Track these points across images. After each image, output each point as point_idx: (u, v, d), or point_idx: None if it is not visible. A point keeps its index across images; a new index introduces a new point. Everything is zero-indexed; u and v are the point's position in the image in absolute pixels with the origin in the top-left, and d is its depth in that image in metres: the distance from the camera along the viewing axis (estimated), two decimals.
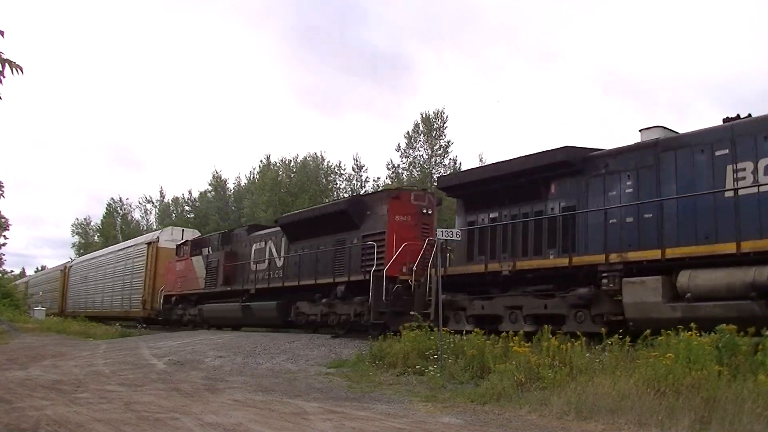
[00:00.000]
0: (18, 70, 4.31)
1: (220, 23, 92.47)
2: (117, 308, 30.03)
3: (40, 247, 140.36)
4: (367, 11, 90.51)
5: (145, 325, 25.82)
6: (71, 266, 40.69)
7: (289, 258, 17.40)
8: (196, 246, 23.44)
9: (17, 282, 62.24)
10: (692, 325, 7.26)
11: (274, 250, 18.36)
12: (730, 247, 8.59)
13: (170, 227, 30.67)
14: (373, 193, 12.95)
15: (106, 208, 70.78)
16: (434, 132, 44.70)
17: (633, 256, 9.73)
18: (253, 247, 19.55)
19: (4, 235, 38.41)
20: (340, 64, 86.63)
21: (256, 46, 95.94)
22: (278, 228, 18.55)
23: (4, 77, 4.29)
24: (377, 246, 14.02)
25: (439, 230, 10.79)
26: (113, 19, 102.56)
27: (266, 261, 18.58)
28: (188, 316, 23.15)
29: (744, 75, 66.57)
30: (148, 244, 27.77)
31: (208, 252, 22.18)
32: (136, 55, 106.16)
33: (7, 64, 4.27)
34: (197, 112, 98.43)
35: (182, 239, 25.98)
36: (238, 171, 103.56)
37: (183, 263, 23.71)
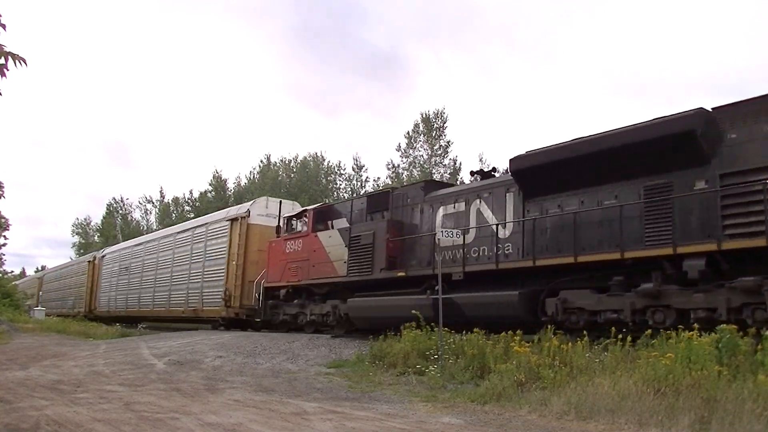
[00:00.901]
0: (21, 62, 4.30)
1: (219, 22, 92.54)
2: (178, 306, 23.31)
3: (39, 247, 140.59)
4: (367, 11, 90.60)
5: (222, 327, 20.50)
6: (104, 255, 34.10)
7: (536, 222, 11.04)
8: (321, 217, 16.70)
9: (25, 279, 61.61)
10: (694, 325, 7.26)
11: (489, 213, 12.22)
12: None
13: (264, 197, 21.70)
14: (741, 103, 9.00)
15: (107, 208, 70.96)
16: (434, 132, 44.80)
17: None
18: (439, 213, 13.28)
19: (4, 236, 38.41)
20: (339, 63, 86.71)
21: (255, 45, 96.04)
22: (491, 181, 12.92)
23: (8, 70, 4.29)
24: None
25: (440, 230, 10.76)
26: (112, 18, 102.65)
27: (473, 230, 12.27)
28: (312, 316, 16.46)
29: (744, 73, 66.55)
30: (233, 220, 20.53)
31: (347, 224, 15.62)
32: (134, 54, 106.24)
33: (10, 57, 4.27)
34: (197, 112, 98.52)
35: (287, 212, 18.71)
36: (238, 171, 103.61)
37: (299, 242, 16.81)
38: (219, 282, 20.40)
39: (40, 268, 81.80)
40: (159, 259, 25.87)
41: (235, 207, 24.21)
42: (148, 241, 28.83)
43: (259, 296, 18.26)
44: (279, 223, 18.48)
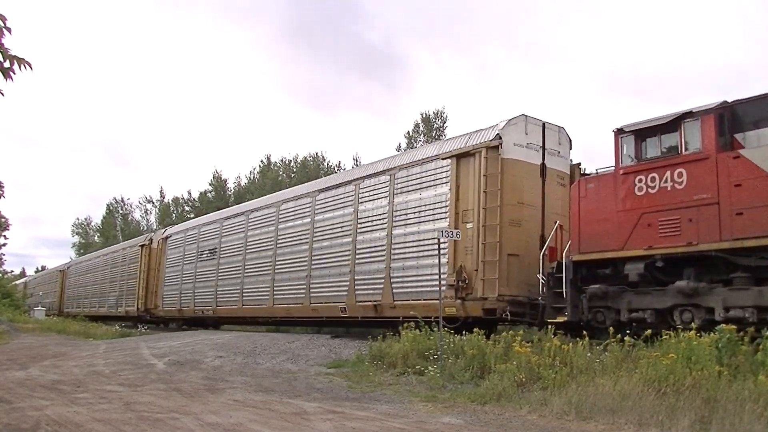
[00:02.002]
0: (26, 66, 4.34)
1: (217, 22, 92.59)
2: (333, 301, 15.34)
3: (38, 247, 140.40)
4: (363, 9, 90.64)
5: (452, 332, 11.01)
6: (168, 236, 25.62)
7: None
8: (738, 121, 9.11)
9: (43, 273, 59.07)
10: (692, 325, 7.25)
11: None
12: None
13: (521, 116, 12.69)
14: None
15: (107, 208, 70.99)
16: (434, 132, 44.80)
17: None
18: None
19: (4, 236, 38.42)
20: (336, 62, 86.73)
21: (254, 44, 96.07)
22: None
23: (14, 73, 4.32)
24: None
25: (440, 230, 10.72)
26: (112, 18, 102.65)
27: None
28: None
29: (743, 69, 66.53)
30: (464, 156, 12.65)
31: None
32: (135, 54, 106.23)
33: (15, 61, 4.30)
34: (197, 112, 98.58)
35: (554, 143, 12.81)
36: (238, 171, 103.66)
37: (679, 173, 9.15)
38: (427, 259, 12.65)
39: (40, 268, 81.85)
40: (279, 234, 18.00)
41: (462, 135, 13.42)
42: (254, 210, 20.09)
43: (550, 279, 10.86)
44: (543, 159, 12.49)
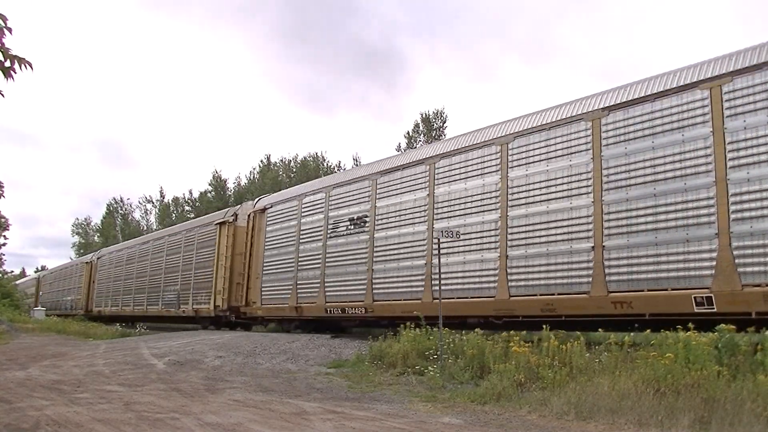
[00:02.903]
0: (27, 66, 4.36)
1: (213, 21, 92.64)
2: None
3: (37, 247, 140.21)
4: (360, 7, 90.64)
5: None
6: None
7: None
8: None
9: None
10: (690, 325, 7.26)
11: None
12: None
13: None
14: None
15: (107, 208, 71.09)
16: (434, 132, 44.86)
17: None
18: None
19: (4, 236, 38.42)
20: (334, 61, 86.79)
21: (251, 43, 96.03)
22: None
23: (15, 72, 4.33)
24: None
25: (440, 230, 10.72)
26: (111, 17, 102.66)
27: None
28: None
29: None
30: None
31: None
32: (133, 54, 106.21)
33: (16, 61, 4.32)
34: (197, 112, 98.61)
35: None
36: (238, 171, 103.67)
37: None
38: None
39: (39, 268, 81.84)
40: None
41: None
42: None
43: None
44: None
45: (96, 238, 73.06)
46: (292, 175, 50.97)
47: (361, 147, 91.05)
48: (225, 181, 58.36)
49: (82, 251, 68.88)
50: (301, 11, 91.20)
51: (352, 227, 14.82)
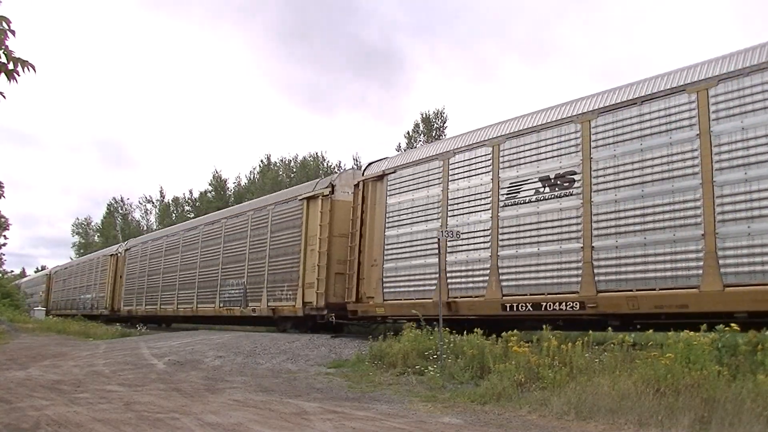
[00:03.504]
0: (30, 68, 4.38)
1: (213, 21, 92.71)
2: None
3: (37, 247, 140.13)
4: (359, 6, 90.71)
5: None
6: None
7: None
8: None
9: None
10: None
11: None
12: None
13: None
14: None
15: (107, 208, 71.15)
16: (434, 132, 44.87)
17: None
18: None
19: (4, 236, 38.46)
20: (333, 61, 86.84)
21: (251, 43, 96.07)
22: None
23: (18, 75, 4.36)
24: None
25: (439, 230, 10.71)
26: (110, 17, 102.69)
27: None
28: None
29: None
30: None
31: None
32: (132, 54, 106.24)
33: (19, 63, 4.34)
34: (197, 112, 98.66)
35: None
36: (238, 171, 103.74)
37: None
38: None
39: (40, 268, 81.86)
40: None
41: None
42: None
43: None
44: None
45: (96, 238, 73.10)
46: (292, 175, 51.00)
47: (361, 147, 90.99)
48: (225, 181, 58.46)
49: (82, 251, 68.90)
50: (300, 11, 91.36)
51: (547, 190, 10.80)
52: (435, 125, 45.04)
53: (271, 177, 51.36)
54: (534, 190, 10.93)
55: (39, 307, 39.24)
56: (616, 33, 76.98)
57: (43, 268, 75.72)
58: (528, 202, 10.98)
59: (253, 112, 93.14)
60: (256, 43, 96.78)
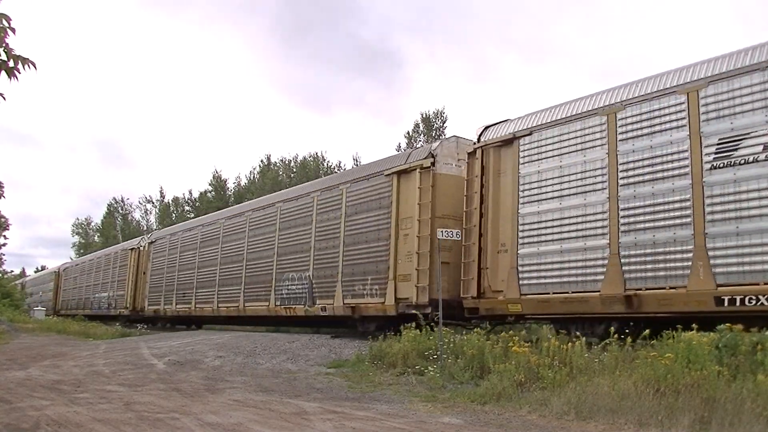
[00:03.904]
0: (31, 65, 4.38)
1: (212, 20, 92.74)
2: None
3: (36, 247, 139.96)
4: (358, 4, 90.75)
5: None
6: None
7: None
8: None
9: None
10: (693, 325, 7.23)
11: None
12: None
13: None
14: None
15: (107, 208, 71.13)
16: (434, 132, 44.88)
17: None
18: None
19: (4, 236, 38.46)
20: (332, 60, 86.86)
21: (249, 43, 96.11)
22: None
23: (19, 72, 4.36)
24: None
25: (439, 230, 10.69)
26: (110, 17, 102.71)
27: None
28: None
29: None
30: None
31: None
32: (132, 54, 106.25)
33: (19, 61, 4.34)
34: (197, 112, 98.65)
35: None
36: (238, 171, 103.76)
37: None
38: None
39: (39, 268, 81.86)
40: None
41: None
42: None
43: None
44: None
45: (96, 238, 73.08)
46: (292, 175, 51.01)
47: (361, 146, 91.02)
48: (225, 181, 58.43)
49: (82, 251, 68.86)
50: (300, 11, 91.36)
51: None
52: (435, 125, 45.05)
53: (271, 177, 51.36)
54: (763, 146, 8.22)
55: (39, 307, 39.11)
56: (616, 33, 77.03)
57: (43, 268, 75.70)
58: (754, 162, 8.29)
59: (253, 112, 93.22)
60: (256, 42, 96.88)
